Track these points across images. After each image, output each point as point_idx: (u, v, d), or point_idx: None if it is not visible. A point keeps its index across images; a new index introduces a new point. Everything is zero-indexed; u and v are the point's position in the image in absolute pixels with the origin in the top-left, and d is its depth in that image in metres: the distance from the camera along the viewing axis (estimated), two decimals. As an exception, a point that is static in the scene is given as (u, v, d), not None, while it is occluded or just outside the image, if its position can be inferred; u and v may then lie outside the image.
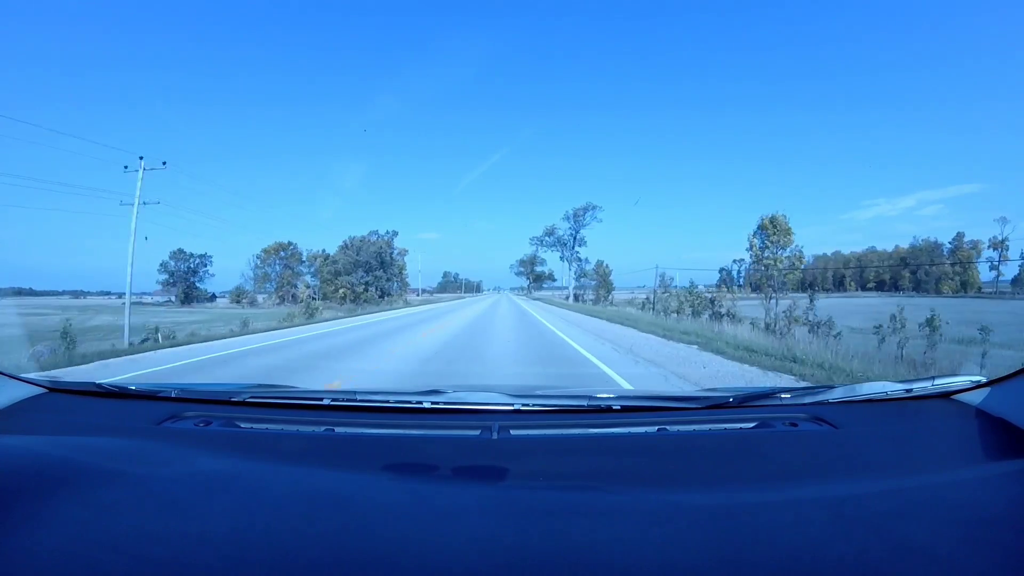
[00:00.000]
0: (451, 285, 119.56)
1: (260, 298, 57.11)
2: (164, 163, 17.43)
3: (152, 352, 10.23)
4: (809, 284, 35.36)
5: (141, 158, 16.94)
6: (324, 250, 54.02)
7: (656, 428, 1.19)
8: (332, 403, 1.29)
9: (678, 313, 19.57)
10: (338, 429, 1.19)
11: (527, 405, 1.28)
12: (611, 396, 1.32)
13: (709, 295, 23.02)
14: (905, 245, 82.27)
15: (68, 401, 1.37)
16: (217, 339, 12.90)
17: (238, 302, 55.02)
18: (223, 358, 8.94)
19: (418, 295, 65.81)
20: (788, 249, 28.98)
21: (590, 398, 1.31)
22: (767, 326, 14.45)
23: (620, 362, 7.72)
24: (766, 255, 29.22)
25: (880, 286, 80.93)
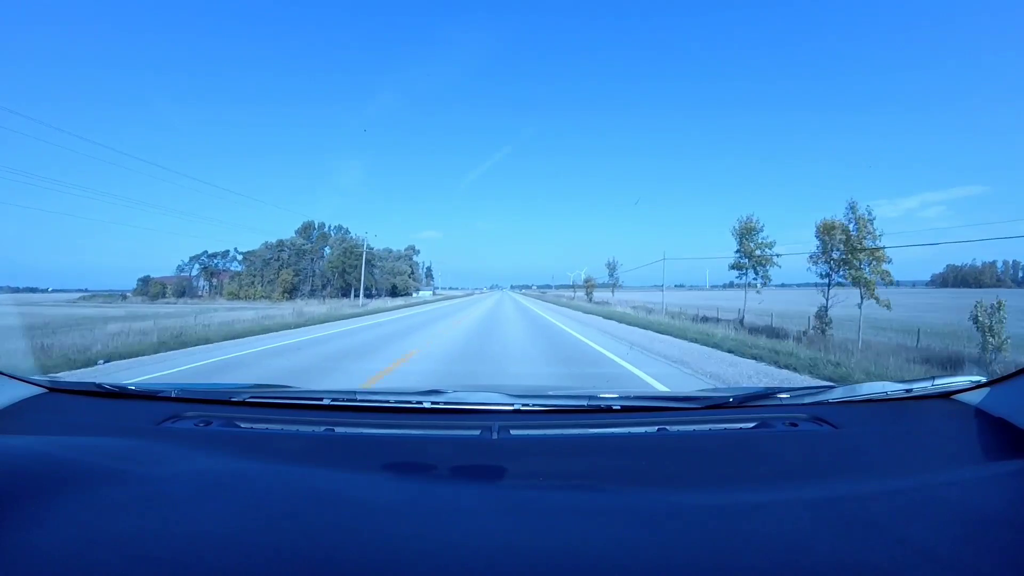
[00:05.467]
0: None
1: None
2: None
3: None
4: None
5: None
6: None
7: (656, 428, 1.19)
8: (332, 403, 1.29)
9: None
10: (338, 429, 1.19)
11: (527, 405, 1.28)
12: (611, 396, 1.32)
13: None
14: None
15: (68, 401, 1.36)
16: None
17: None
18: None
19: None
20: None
21: (590, 398, 1.31)
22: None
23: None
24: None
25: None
